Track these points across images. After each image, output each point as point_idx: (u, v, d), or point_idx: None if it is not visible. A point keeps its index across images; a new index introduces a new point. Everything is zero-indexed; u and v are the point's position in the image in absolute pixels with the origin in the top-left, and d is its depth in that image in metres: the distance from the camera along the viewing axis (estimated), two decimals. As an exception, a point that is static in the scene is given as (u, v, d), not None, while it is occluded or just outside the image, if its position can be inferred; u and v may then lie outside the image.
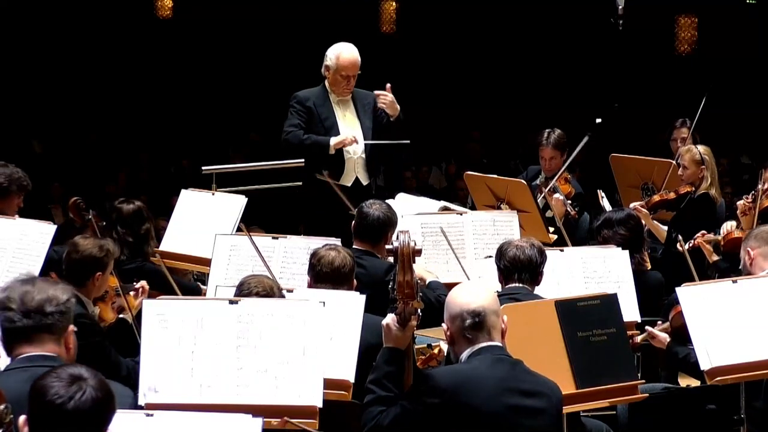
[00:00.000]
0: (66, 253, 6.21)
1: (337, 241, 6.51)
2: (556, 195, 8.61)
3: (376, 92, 8.07)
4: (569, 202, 8.66)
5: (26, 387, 3.49)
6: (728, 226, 7.67)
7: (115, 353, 5.83)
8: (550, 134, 8.91)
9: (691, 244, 7.65)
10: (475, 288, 4.59)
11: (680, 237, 7.74)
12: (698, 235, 7.69)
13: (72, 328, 4.05)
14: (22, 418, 3.38)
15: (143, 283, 6.54)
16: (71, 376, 3.37)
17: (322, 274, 5.72)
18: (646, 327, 6.22)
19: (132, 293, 6.45)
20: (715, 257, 7.57)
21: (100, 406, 3.36)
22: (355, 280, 5.85)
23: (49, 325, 3.97)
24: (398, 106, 8.07)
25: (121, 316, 6.36)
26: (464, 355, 4.39)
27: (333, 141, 7.92)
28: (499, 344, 4.42)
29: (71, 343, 4.03)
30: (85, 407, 3.33)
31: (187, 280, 7.79)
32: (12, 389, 3.64)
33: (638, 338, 6.32)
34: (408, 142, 8.08)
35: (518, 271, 5.84)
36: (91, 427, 3.36)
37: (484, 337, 4.38)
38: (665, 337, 6.14)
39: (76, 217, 7.17)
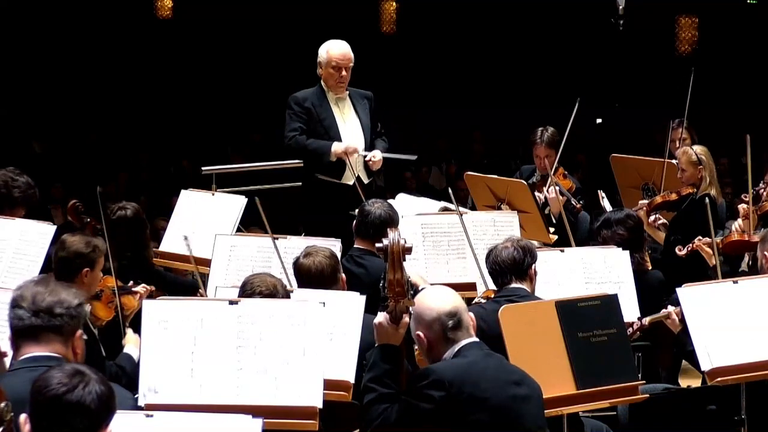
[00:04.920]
0: (54, 251, 6.22)
1: (337, 242, 6.51)
2: (550, 190, 8.54)
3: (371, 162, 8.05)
4: (571, 195, 8.60)
5: (29, 388, 3.48)
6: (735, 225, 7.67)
7: (104, 357, 5.84)
8: (543, 132, 8.79)
9: (689, 248, 7.62)
10: (440, 291, 4.64)
11: (678, 244, 7.72)
12: (696, 239, 7.64)
13: (80, 333, 4.05)
14: (23, 417, 3.37)
15: (144, 286, 6.52)
16: (75, 370, 3.37)
17: (305, 283, 5.72)
18: (669, 306, 6.19)
19: (133, 295, 6.44)
20: (715, 260, 7.53)
21: (101, 402, 3.35)
22: (343, 276, 5.85)
23: (58, 327, 3.97)
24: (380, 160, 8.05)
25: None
26: (447, 355, 4.45)
27: (334, 148, 7.91)
28: (477, 340, 4.51)
29: (79, 348, 4.03)
30: (87, 401, 3.32)
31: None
32: (17, 389, 3.65)
33: (647, 320, 6.29)
34: (415, 158, 8.10)
35: (503, 272, 5.79)
36: (90, 422, 3.35)
37: (464, 334, 4.47)
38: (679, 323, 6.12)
39: (74, 219, 7.16)
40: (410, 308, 4.40)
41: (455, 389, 4.30)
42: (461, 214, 7.11)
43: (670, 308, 6.21)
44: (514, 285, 5.76)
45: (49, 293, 4.00)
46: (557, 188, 8.48)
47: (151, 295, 6.38)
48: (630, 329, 6.20)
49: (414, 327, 4.50)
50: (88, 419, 3.34)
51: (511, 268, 5.76)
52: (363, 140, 8.05)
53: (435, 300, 4.51)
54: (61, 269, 6.09)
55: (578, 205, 8.54)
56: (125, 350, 5.91)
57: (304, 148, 7.97)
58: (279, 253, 6.43)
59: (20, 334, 4.00)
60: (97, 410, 3.36)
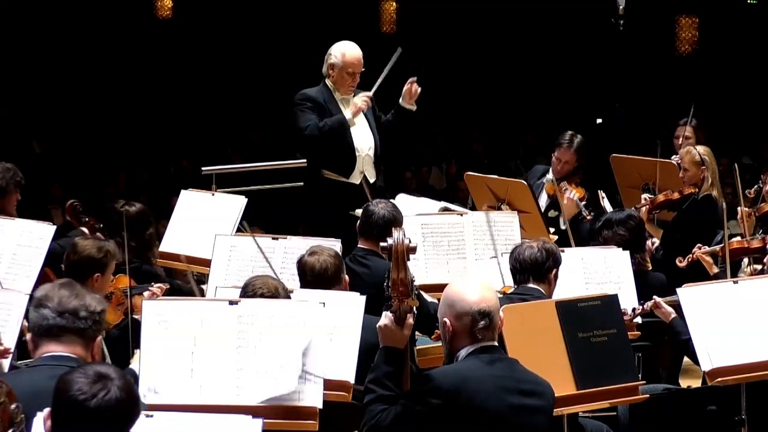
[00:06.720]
0: (66, 253, 6.22)
1: (337, 242, 6.50)
2: (569, 194, 8.52)
3: (410, 83, 8.09)
4: (583, 204, 8.58)
5: (48, 384, 3.51)
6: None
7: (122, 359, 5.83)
8: (573, 138, 8.76)
9: (689, 259, 7.62)
10: (482, 286, 4.54)
11: (678, 256, 7.71)
12: (695, 248, 7.64)
13: (99, 339, 4.11)
14: (45, 411, 3.39)
15: (159, 285, 6.51)
16: (97, 374, 3.35)
17: (308, 281, 5.73)
18: (654, 297, 6.18)
19: (146, 294, 6.41)
20: (716, 269, 7.52)
21: (123, 408, 3.34)
22: (346, 277, 5.85)
23: (80, 329, 4.03)
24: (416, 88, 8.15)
25: (135, 317, 6.33)
26: (463, 352, 4.40)
27: (348, 114, 7.88)
28: (496, 344, 4.45)
29: (96, 354, 4.08)
30: (108, 407, 3.31)
31: (186, 281, 7.77)
32: (33, 385, 3.73)
33: (648, 304, 6.23)
34: (399, 50, 8.12)
35: (522, 271, 5.82)
36: (112, 427, 3.34)
37: (489, 336, 4.40)
38: (671, 311, 6.10)
39: (73, 220, 7.15)
40: (414, 309, 4.37)
41: (451, 397, 4.26)
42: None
43: (656, 298, 6.17)
44: (531, 285, 5.79)
45: (74, 297, 4.07)
46: (575, 196, 8.48)
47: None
48: (632, 312, 6.16)
49: (443, 311, 4.42)
50: (108, 425, 3.33)
51: (531, 269, 5.80)
52: (372, 139, 8.02)
53: (473, 293, 4.41)
54: (71, 273, 6.06)
55: (589, 217, 8.50)
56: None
57: (320, 130, 7.82)
58: (265, 256, 6.39)
59: (43, 333, 4.04)
60: (119, 416, 3.35)
